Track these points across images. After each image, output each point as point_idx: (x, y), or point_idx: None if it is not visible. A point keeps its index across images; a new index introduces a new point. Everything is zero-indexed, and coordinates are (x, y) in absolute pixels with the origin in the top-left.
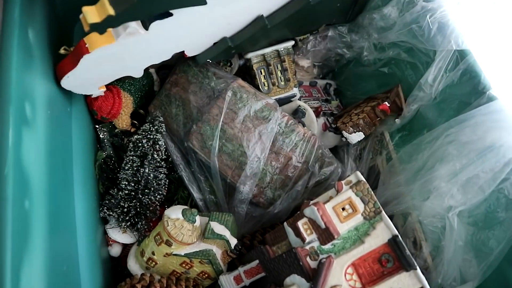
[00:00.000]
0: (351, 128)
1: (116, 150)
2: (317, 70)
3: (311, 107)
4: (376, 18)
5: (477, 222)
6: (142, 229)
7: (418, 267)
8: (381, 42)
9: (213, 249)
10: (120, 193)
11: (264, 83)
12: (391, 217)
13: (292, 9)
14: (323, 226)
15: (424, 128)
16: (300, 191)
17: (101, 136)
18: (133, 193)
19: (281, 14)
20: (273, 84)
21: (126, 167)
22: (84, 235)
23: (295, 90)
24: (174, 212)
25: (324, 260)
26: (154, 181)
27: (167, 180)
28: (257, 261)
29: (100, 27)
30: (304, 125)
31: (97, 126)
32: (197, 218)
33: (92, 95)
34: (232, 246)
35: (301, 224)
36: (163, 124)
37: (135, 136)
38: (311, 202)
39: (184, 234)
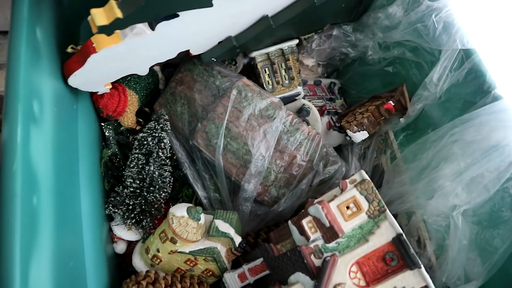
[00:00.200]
0: (355, 127)
1: (121, 148)
2: (322, 69)
3: (315, 106)
4: (381, 17)
5: (482, 221)
6: (147, 226)
7: (422, 266)
8: (386, 41)
9: (217, 247)
10: (125, 190)
11: (268, 81)
12: (395, 216)
13: (297, 9)
14: (327, 224)
15: (429, 127)
16: (305, 190)
17: (106, 133)
18: (138, 191)
19: (286, 14)
20: (278, 83)
21: (131, 165)
22: (90, 231)
23: (299, 89)
24: (179, 210)
25: (329, 258)
26: (159, 179)
27: (172, 178)
28: (261, 259)
29: (108, 29)
30: (308, 124)
31: (102, 124)
32: (202, 216)
33: (98, 92)
34: (237, 244)
35: (306, 222)
36: (168, 122)
37: (140, 134)
38: (316, 200)
39: (189, 231)
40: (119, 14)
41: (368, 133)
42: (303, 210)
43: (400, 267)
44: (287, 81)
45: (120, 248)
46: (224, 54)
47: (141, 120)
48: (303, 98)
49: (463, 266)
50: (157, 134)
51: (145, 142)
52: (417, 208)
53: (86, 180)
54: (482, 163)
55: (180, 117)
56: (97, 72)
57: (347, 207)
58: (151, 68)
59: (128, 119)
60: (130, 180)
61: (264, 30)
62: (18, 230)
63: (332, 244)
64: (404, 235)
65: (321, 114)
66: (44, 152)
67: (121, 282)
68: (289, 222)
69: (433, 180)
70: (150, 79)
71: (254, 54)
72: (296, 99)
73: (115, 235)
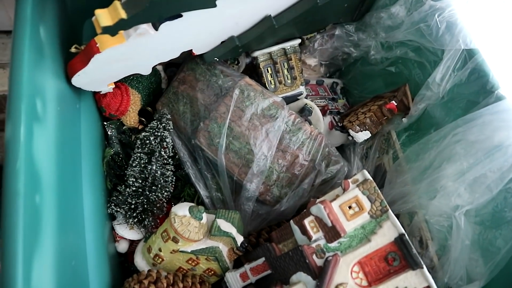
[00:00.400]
0: (357, 127)
1: (123, 147)
2: (324, 69)
3: (317, 106)
4: (383, 17)
5: (484, 222)
6: (149, 225)
7: (424, 266)
8: (388, 41)
9: (219, 246)
10: (128, 189)
11: (270, 81)
12: (397, 216)
13: (299, 10)
14: (329, 224)
15: (432, 127)
16: (307, 189)
17: (109, 133)
18: (141, 190)
19: (288, 14)
20: (280, 82)
21: (134, 164)
22: (92, 230)
23: (302, 88)
24: (181, 209)
25: (330, 258)
26: (161, 178)
27: (174, 177)
28: (263, 259)
29: (112, 30)
30: (310, 124)
31: (105, 123)
32: (204, 215)
33: (101, 91)
34: (238, 244)
35: (308, 222)
36: (171, 122)
37: (143, 133)
38: (318, 200)
39: (191, 231)
40: (123, 15)
41: (370, 133)
42: (305, 210)
43: (402, 267)
44: (289, 81)
45: (122, 247)
46: (227, 54)
47: (143, 119)
48: (306, 97)
49: (465, 266)
50: (159, 134)
51: (148, 141)
52: (419, 208)
53: (88, 179)
54: (485, 163)
55: (183, 116)
56: (100, 72)
57: (349, 207)
58: (153, 68)
59: (131, 118)
60: (132, 179)
61: (266, 30)
62: (20, 229)
63: (334, 244)
64: (406, 235)
65: (323, 113)
66: (47, 151)
67: (123, 281)
68: (291, 221)
69: (436, 180)
70: (153, 78)
71: (256, 53)
72: (298, 99)
73: (117, 234)
